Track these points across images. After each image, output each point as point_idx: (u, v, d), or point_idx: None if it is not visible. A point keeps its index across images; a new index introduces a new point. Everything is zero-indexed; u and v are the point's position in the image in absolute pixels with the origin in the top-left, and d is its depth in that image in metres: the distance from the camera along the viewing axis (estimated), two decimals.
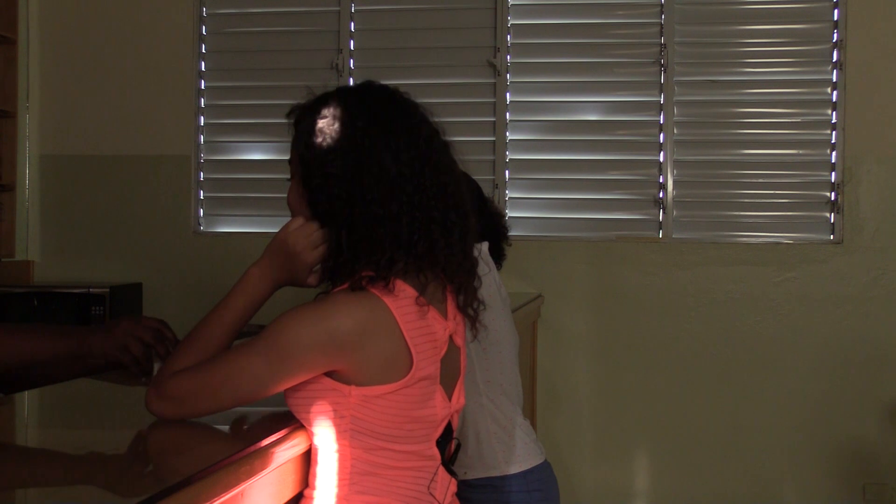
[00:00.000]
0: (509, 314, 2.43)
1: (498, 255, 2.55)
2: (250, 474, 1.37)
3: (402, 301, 1.52)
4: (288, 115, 1.63)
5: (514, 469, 2.26)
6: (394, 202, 1.51)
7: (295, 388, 1.54)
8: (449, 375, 1.62)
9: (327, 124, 1.56)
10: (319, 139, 1.55)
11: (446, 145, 1.64)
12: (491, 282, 2.33)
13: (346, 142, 1.54)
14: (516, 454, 2.27)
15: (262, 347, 1.47)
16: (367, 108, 1.57)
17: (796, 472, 4.09)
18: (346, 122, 1.55)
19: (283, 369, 1.47)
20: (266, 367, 1.47)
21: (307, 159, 1.56)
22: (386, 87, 1.63)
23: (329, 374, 1.51)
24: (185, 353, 1.54)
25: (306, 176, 1.56)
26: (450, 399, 1.62)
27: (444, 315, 1.61)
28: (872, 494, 4.02)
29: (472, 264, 1.63)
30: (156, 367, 2.04)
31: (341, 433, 1.51)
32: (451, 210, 1.58)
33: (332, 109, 1.57)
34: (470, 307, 1.64)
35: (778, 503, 4.10)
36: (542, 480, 2.31)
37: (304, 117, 1.60)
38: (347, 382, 1.50)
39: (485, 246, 2.42)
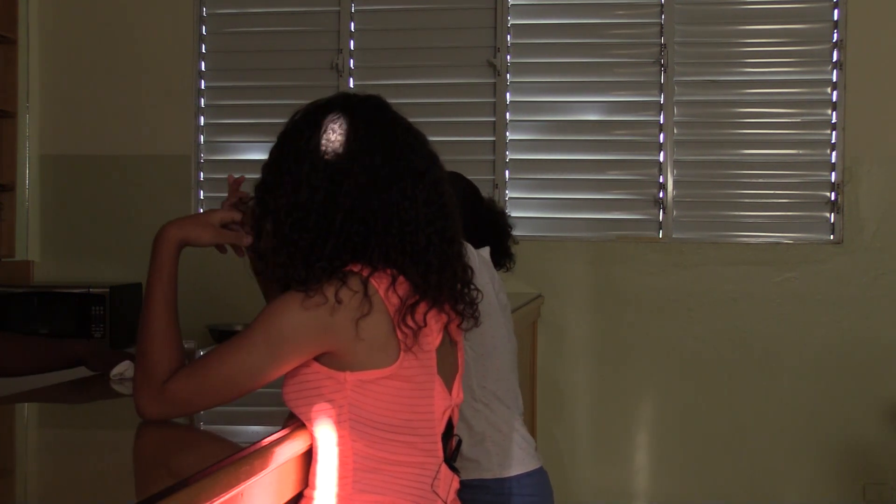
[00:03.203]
0: (509, 320, 2.42)
1: (504, 255, 2.52)
2: (250, 474, 1.37)
3: (390, 287, 1.54)
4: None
5: (510, 472, 2.26)
6: (359, 208, 1.55)
7: (291, 382, 1.56)
8: (447, 369, 1.63)
9: (326, 135, 1.60)
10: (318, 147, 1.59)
11: (425, 154, 1.65)
12: (490, 290, 2.32)
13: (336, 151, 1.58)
14: (512, 458, 2.26)
15: (258, 337, 1.50)
16: (358, 123, 1.60)
17: (796, 472, 4.09)
18: (338, 133, 1.59)
19: (281, 355, 1.50)
20: (264, 356, 1.50)
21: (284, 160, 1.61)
22: (373, 100, 1.66)
23: (323, 362, 1.52)
24: (158, 352, 1.55)
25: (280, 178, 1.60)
26: (449, 392, 1.62)
27: (440, 308, 1.61)
28: (872, 494, 4.02)
29: (453, 272, 1.63)
30: (123, 367, 2.09)
31: (340, 423, 1.52)
32: (423, 222, 1.58)
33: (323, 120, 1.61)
34: (461, 307, 1.65)
35: (778, 503, 4.10)
36: (537, 485, 2.30)
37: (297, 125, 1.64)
38: (342, 368, 1.52)
39: (485, 251, 2.41)
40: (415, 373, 1.54)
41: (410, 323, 1.53)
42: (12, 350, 2.18)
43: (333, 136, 1.58)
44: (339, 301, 1.49)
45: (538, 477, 2.30)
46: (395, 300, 1.53)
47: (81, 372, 2.21)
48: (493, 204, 2.64)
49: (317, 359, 1.53)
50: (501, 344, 2.32)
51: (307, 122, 1.61)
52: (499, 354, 2.30)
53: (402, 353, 1.52)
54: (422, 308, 1.55)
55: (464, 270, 1.65)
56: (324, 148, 1.57)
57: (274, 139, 1.65)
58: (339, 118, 1.60)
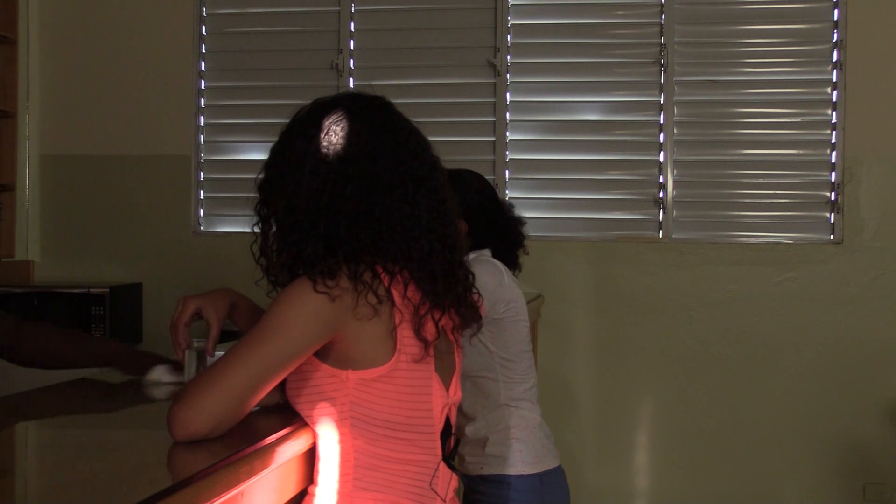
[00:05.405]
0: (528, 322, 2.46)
1: (509, 264, 2.51)
2: (250, 474, 1.37)
3: (405, 292, 1.54)
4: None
5: (531, 470, 2.30)
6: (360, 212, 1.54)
7: (294, 380, 1.55)
8: (444, 367, 1.63)
9: (326, 134, 1.58)
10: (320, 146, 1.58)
11: (427, 159, 1.64)
12: (520, 297, 2.37)
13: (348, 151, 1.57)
14: (534, 456, 2.31)
15: (269, 335, 1.46)
16: (360, 125, 1.58)
17: (796, 472, 4.09)
18: (337, 135, 1.58)
19: (294, 347, 1.47)
20: (279, 352, 1.46)
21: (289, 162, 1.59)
22: (378, 102, 1.65)
23: (326, 360, 1.53)
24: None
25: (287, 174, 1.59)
26: (447, 391, 1.62)
27: (441, 309, 1.61)
28: (872, 494, 4.02)
29: (455, 278, 1.62)
30: (158, 372, 2.02)
31: (342, 421, 1.52)
32: (425, 228, 1.57)
33: (326, 121, 1.59)
34: (463, 311, 1.65)
35: (778, 503, 4.10)
36: (555, 484, 2.34)
37: (299, 125, 1.62)
38: (344, 367, 1.52)
39: (487, 252, 2.42)
40: (412, 371, 1.54)
41: (426, 335, 1.54)
42: (53, 342, 2.12)
43: (336, 138, 1.55)
44: (347, 284, 1.48)
45: (556, 475, 2.35)
46: (409, 305, 1.53)
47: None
48: (511, 209, 2.64)
49: (320, 358, 1.53)
50: (526, 347, 2.37)
51: (310, 122, 1.59)
52: (524, 357, 2.35)
53: (396, 352, 1.53)
54: (435, 316, 1.56)
55: (465, 276, 1.65)
56: (325, 150, 1.55)
57: (274, 138, 1.64)
58: (342, 120, 1.57)
